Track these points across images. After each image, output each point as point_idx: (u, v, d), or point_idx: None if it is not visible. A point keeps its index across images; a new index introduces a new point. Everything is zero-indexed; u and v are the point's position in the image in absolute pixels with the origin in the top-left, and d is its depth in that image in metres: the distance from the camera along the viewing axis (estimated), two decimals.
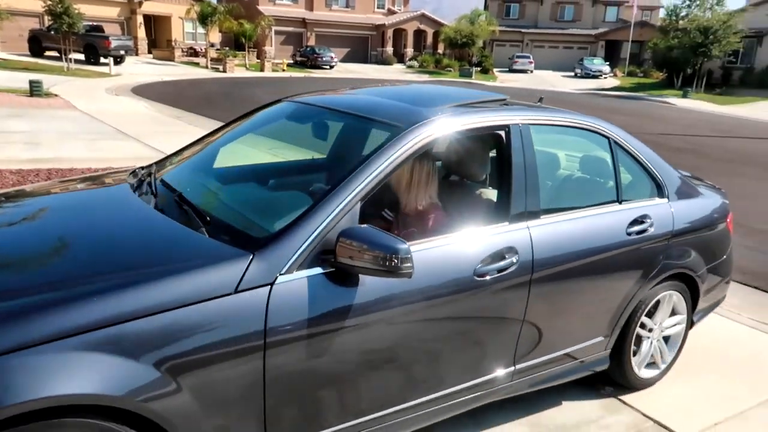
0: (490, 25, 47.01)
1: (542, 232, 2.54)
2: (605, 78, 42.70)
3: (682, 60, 33.55)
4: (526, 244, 2.47)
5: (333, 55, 41.43)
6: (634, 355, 3.15)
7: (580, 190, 3.16)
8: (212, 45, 37.28)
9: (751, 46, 36.27)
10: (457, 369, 2.42)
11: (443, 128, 2.38)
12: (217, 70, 32.61)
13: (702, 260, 3.26)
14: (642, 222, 2.94)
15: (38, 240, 2.14)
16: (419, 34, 51.58)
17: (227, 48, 39.20)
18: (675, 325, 3.31)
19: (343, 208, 2.00)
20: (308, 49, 42.70)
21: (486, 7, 55.03)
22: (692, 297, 3.31)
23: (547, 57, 52.33)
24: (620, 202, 2.96)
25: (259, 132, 3.22)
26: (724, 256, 3.49)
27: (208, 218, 2.09)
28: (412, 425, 2.32)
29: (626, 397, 3.17)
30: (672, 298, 3.22)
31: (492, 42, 52.65)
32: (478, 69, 44.66)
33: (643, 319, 3.10)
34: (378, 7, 52.36)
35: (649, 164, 3.12)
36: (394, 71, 42.99)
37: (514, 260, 2.41)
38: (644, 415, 3.04)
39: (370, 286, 1.99)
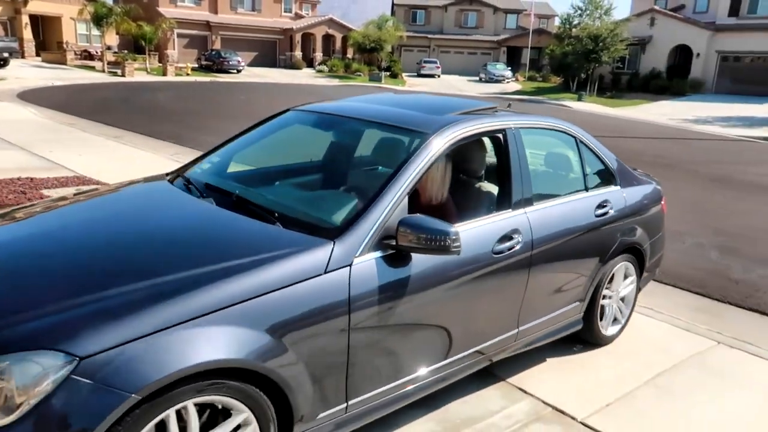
0: (398, 30, 47.82)
1: (537, 216, 3.11)
2: (508, 82, 44.62)
3: (576, 65, 35.73)
4: (526, 227, 3.02)
5: (240, 59, 40.52)
6: (601, 318, 3.82)
7: (558, 181, 3.76)
8: (109, 48, 35.34)
9: (635, 53, 39.23)
10: (479, 330, 2.96)
11: (459, 133, 2.89)
12: (115, 74, 30.95)
13: (646, 236, 4.01)
14: (604, 206, 3.60)
15: (152, 235, 2.55)
16: (328, 39, 51.57)
17: (126, 51, 37.29)
18: (628, 286, 4.04)
19: (395, 202, 2.49)
20: (214, 52, 41.50)
21: (393, 13, 55.97)
22: (640, 266, 4.06)
23: (454, 62, 53.98)
24: (587, 190, 3.60)
25: (277, 139, 3.59)
26: (661, 233, 4.29)
27: (276, 213, 2.53)
28: (452, 377, 2.88)
29: (526, 386, 3.31)
30: (626, 267, 3.93)
31: (400, 47, 53.58)
32: (388, 74, 45.29)
33: (606, 285, 3.76)
34: (285, 11, 51.82)
35: (604, 157, 3.82)
36: (304, 76, 42.69)
37: (519, 240, 2.94)
38: (543, 401, 3.19)
39: (420, 262, 2.50)
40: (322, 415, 2.29)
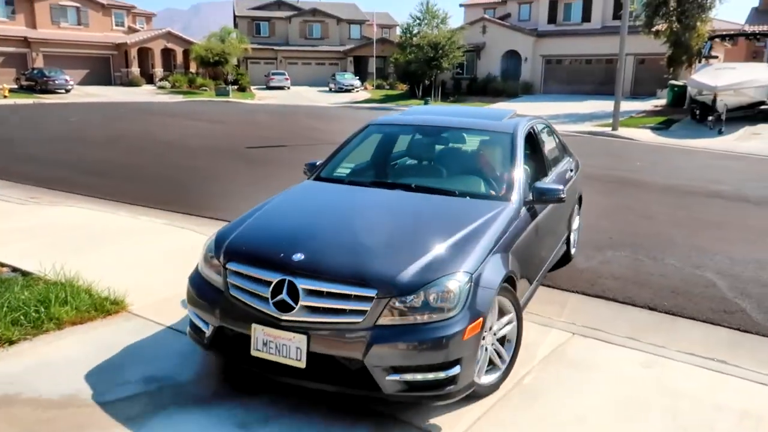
0: (242, 42, 46.61)
1: (559, 172, 5.41)
2: (357, 91, 45.38)
3: (419, 72, 37.28)
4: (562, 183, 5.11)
5: (68, 77, 37.00)
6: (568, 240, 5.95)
7: (554, 154, 5.68)
8: None
9: (472, 59, 41.89)
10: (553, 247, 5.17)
11: (526, 129, 4.86)
12: None
13: (580, 189, 6.39)
14: (572, 169, 5.97)
15: (412, 213, 3.98)
16: (168, 53, 48.90)
17: None
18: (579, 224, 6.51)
19: (524, 176, 4.34)
20: (36, 71, 37.48)
21: (236, 26, 54.51)
22: (580, 207, 6.47)
23: (302, 73, 53.82)
24: (563, 160, 5.87)
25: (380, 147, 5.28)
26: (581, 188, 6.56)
27: (456, 192, 4.16)
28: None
29: (401, 414, 3.16)
30: (578, 209, 6.34)
31: (246, 60, 52.33)
32: (236, 87, 43.95)
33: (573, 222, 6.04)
34: (117, 25, 48.36)
35: (562, 139, 6.25)
36: (144, 93, 40.04)
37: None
38: (417, 427, 3.06)
39: (540, 207, 4.39)
40: (523, 300, 4.01)
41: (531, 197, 4.15)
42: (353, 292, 2.98)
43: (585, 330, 4.43)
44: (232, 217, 4.16)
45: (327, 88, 47.74)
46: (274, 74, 48.91)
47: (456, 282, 3.04)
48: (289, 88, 47.91)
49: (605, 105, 27.41)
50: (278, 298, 3.05)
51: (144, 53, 47.13)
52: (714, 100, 19.47)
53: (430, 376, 2.93)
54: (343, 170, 4.84)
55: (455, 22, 43.89)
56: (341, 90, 45.46)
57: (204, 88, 43.13)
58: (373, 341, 2.89)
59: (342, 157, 4.92)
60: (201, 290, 3.44)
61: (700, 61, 25.78)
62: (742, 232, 7.33)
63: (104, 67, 45.44)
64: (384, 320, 2.94)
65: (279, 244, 3.33)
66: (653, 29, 26.97)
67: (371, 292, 2.96)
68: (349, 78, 47.21)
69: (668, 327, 4.63)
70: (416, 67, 36.91)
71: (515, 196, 4.04)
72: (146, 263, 5.56)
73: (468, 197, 4.06)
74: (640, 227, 7.51)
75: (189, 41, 49.73)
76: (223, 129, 19.76)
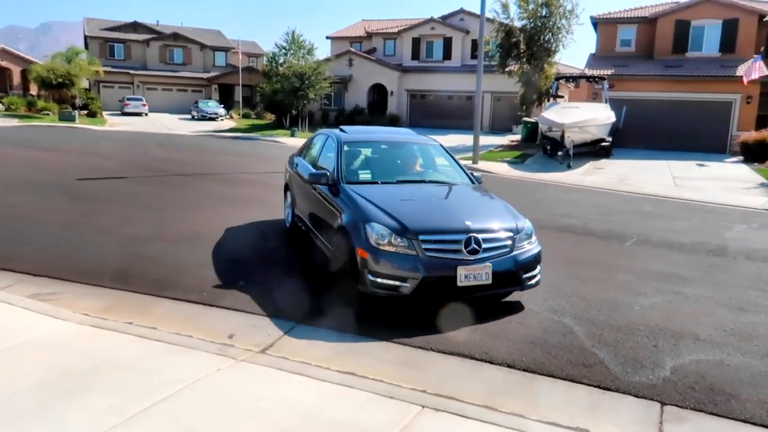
0: (92, 64, 42.89)
1: None
2: (222, 120, 43.45)
3: (286, 102, 36.42)
4: None
5: None
6: None
7: None
8: None
9: (340, 91, 41.95)
10: None
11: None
12: None
13: None
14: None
15: (451, 198, 6.41)
16: (2, 72, 43.67)
17: None
18: None
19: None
20: None
21: (86, 47, 50.25)
22: None
23: (162, 99, 50.71)
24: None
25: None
26: None
27: (449, 182, 6.83)
28: None
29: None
30: None
31: (98, 83, 48.28)
32: (85, 112, 40.12)
33: None
34: None
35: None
36: None
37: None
38: None
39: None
40: None
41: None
42: (504, 235, 5.44)
43: (437, 400, 3.78)
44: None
45: (189, 116, 45.24)
46: (129, 99, 45.47)
47: (530, 224, 5.82)
48: (146, 114, 44.72)
49: (466, 139, 28.40)
50: (470, 248, 5.19)
51: None
52: (562, 137, 20.71)
53: (537, 274, 5.63)
54: (363, 176, 6.65)
55: (322, 53, 43.90)
56: (204, 118, 43.26)
57: (46, 112, 38.80)
58: (515, 258, 5.39)
59: (343, 167, 6.61)
60: (394, 260, 5.12)
61: (548, 100, 27.65)
62: (591, 268, 7.27)
63: None
64: (515, 249, 5.44)
65: (444, 219, 5.57)
66: (507, 69, 28.58)
67: (511, 235, 5.48)
68: (213, 106, 45.16)
69: (527, 388, 4.13)
70: (282, 96, 36.06)
71: (474, 181, 6.95)
72: None
73: (458, 184, 6.76)
74: None
75: (27, 60, 44.91)
76: (55, 158, 17.43)
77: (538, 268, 5.62)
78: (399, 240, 5.16)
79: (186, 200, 10.91)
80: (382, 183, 6.45)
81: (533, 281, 5.57)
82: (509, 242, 5.40)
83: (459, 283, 5.09)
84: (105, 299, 5.58)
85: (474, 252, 5.19)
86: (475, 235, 5.25)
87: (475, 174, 7.07)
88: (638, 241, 9.01)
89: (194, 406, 3.56)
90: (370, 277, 5.16)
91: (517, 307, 5.67)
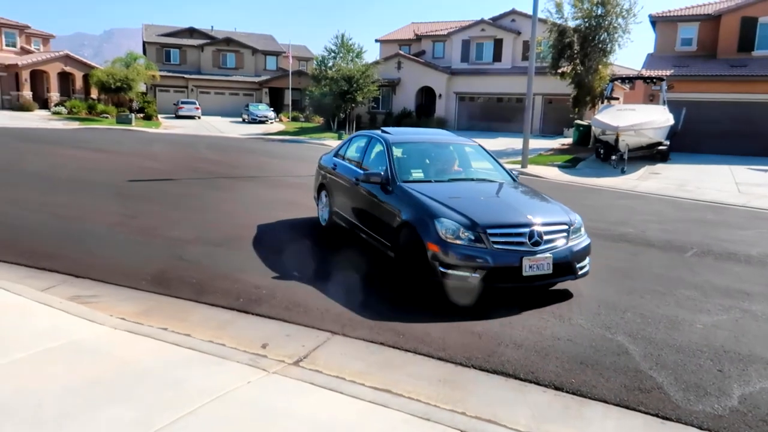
0: (149, 69, 44.31)
1: None
2: (271, 123, 44.09)
3: (334, 106, 36.62)
4: None
5: None
6: None
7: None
8: None
9: (388, 94, 41.90)
10: None
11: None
12: None
13: None
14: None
15: (502, 195, 6.81)
16: (66, 77, 45.60)
17: None
18: None
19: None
20: None
21: (145, 52, 52.00)
22: None
23: (215, 103, 51.92)
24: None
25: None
26: None
27: (496, 180, 7.36)
28: None
29: None
30: None
31: (155, 87, 49.85)
32: (141, 115, 41.46)
33: None
34: (8, 45, 44.67)
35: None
36: (36, 118, 36.76)
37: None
38: None
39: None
40: None
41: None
42: (561, 228, 5.92)
43: (476, 424, 3.51)
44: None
45: (240, 119, 46.13)
46: (183, 103, 46.73)
47: (580, 218, 6.27)
48: (199, 117, 45.84)
49: (515, 142, 27.80)
50: (533, 240, 5.65)
51: (38, 76, 43.67)
52: (617, 140, 19.89)
53: (588, 264, 6.10)
54: (415, 175, 7.05)
55: (371, 57, 43.95)
56: (254, 121, 43.99)
57: (105, 114, 40.31)
58: (570, 249, 5.85)
59: (395, 167, 7.00)
60: (465, 253, 5.55)
61: (602, 102, 26.70)
62: (649, 281, 6.80)
63: None
64: (569, 241, 5.90)
65: (507, 214, 6.04)
66: (559, 71, 27.78)
67: (566, 228, 5.95)
68: (263, 109, 45.88)
69: (576, 414, 3.80)
70: (330, 99, 36.24)
71: (515, 179, 7.46)
72: None
73: (503, 182, 7.23)
74: None
75: (90, 65, 46.74)
76: (108, 159, 17.94)
77: (588, 258, 6.12)
78: (468, 234, 5.61)
79: (231, 202, 10.95)
80: (435, 181, 6.94)
81: (585, 270, 6.06)
82: (565, 234, 5.89)
83: (524, 273, 5.56)
84: (143, 303, 5.55)
85: (537, 244, 5.67)
86: (537, 228, 5.72)
87: (514, 172, 7.63)
88: (700, 252, 8.43)
89: (222, 421, 3.41)
90: (442, 269, 5.59)
91: (566, 322, 5.32)
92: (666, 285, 6.65)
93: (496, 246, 5.57)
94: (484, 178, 7.34)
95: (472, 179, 7.30)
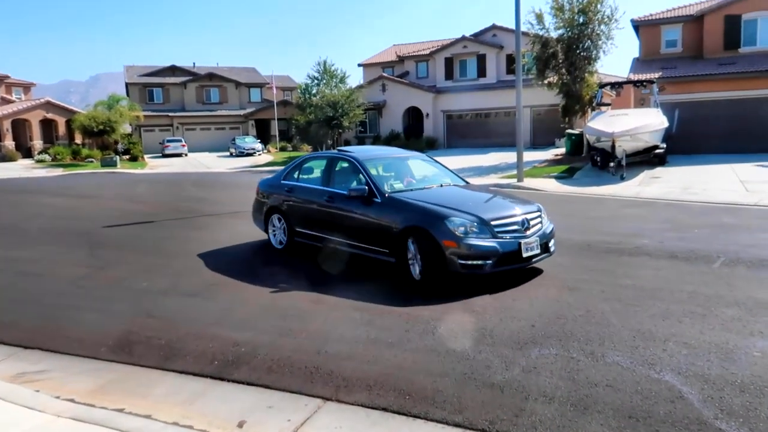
0: (133, 109, 43.78)
1: None
2: (259, 155, 43.45)
3: (321, 132, 36.07)
4: None
5: None
6: None
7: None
8: None
9: (374, 117, 41.42)
10: None
11: None
12: None
13: None
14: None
15: (467, 196, 7.69)
16: (48, 124, 44.97)
17: None
18: None
19: None
20: None
21: (128, 94, 51.54)
22: None
23: (201, 138, 51.40)
24: None
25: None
26: None
27: (461, 184, 8.39)
28: None
29: None
30: None
31: (139, 128, 49.28)
32: (127, 157, 40.77)
33: None
34: None
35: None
36: (19, 168, 35.96)
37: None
38: None
39: None
40: None
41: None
42: (537, 214, 7.15)
43: None
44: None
45: (228, 153, 45.51)
46: (169, 141, 46.17)
47: (541, 206, 7.47)
48: (186, 154, 45.24)
49: (508, 156, 27.17)
50: (525, 227, 6.83)
51: (20, 125, 43.01)
52: (613, 147, 19.25)
53: (553, 245, 7.29)
54: (396, 186, 7.76)
55: (354, 81, 43.57)
56: (242, 154, 43.37)
57: (90, 159, 39.60)
58: (545, 230, 7.08)
59: (375, 181, 7.57)
60: (477, 244, 6.44)
61: (593, 109, 26.16)
62: (683, 301, 5.99)
63: None
64: (542, 224, 7.16)
65: (499, 209, 7.04)
66: (545, 81, 27.30)
67: (539, 213, 7.21)
68: (250, 141, 45.29)
69: None
70: (317, 127, 35.69)
71: (466, 181, 8.57)
72: None
73: (465, 185, 8.28)
74: (564, 304, 5.99)
75: (71, 110, 46.14)
76: (88, 205, 17.10)
77: (554, 239, 7.35)
78: (477, 228, 6.53)
79: (211, 242, 10.11)
80: (415, 189, 7.66)
81: (553, 249, 7.28)
82: (540, 219, 7.13)
83: (523, 255, 6.63)
84: (100, 376, 4.69)
85: (527, 229, 6.83)
86: (525, 216, 6.90)
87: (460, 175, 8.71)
88: (728, 261, 7.64)
89: None
90: (460, 261, 6.42)
91: (600, 360, 4.48)
92: (703, 304, 5.84)
93: (500, 235, 6.58)
94: (448, 183, 8.20)
95: (441, 185, 8.04)
